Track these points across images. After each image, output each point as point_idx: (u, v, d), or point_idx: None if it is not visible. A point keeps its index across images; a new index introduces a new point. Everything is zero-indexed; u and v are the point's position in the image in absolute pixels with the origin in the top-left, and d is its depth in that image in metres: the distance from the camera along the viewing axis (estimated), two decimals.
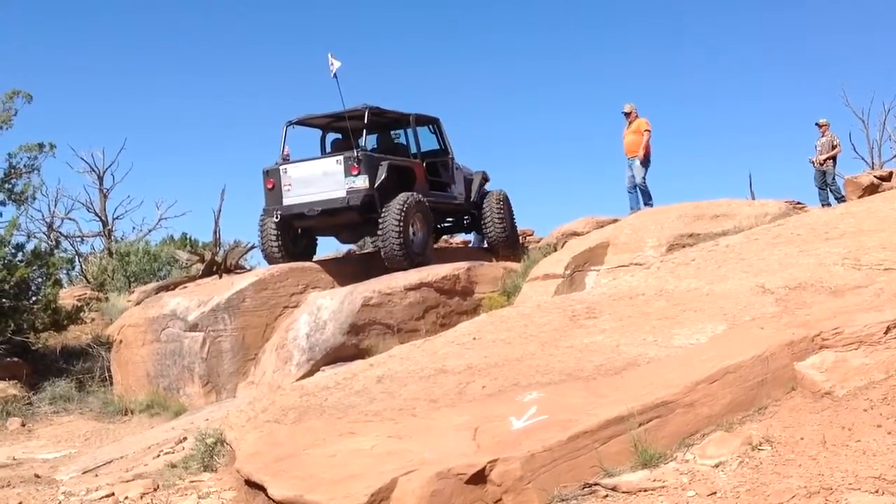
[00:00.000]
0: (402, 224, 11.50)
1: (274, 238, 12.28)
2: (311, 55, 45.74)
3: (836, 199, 14.57)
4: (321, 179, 11.75)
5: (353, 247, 15.30)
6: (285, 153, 12.46)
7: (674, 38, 48.61)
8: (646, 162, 13.93)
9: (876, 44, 42.27)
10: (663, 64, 49.35)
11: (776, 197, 12.16)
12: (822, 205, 14.28)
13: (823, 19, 45.94)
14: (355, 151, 11.68)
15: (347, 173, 11.56)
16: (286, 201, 11.96)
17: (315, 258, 13.55)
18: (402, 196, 11.68)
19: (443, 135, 13.32)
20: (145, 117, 41.53)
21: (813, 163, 15.28)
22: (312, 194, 11.79)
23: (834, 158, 15.25)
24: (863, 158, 23.54)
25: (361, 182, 11.54)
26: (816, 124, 15.48)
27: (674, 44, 48.72)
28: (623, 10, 49.10)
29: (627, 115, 14.15)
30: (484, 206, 13.47)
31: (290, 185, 11.92)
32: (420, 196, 12.01)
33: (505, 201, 13.60)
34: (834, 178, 15.21)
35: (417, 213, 11.91)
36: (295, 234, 12.61)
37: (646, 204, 13.79)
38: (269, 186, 12.05)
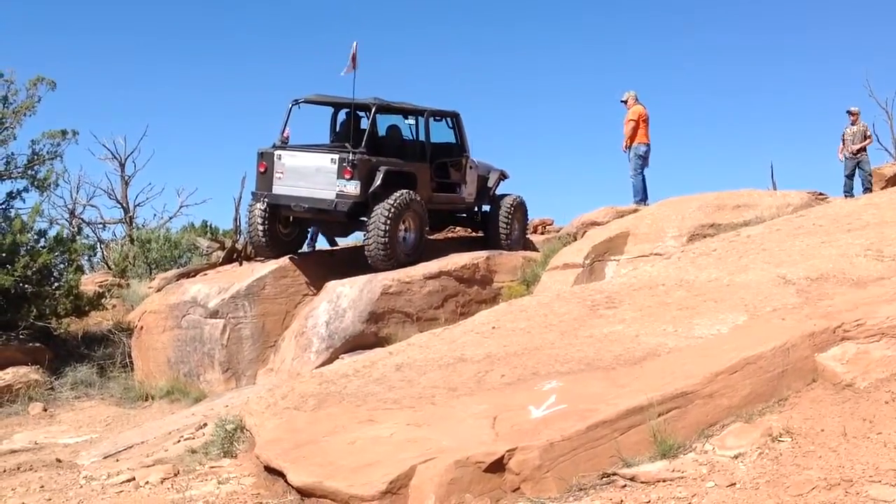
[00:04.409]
0: (388, 227, 10.99)
1: (261, 224, 11.81)
2: (333, 42, 45.72)
3: (866, 188, 14.32)
4: (313, 174, 11.18)
5: None
6: (285, 135, 11.95)
7: (697, 26, 48.20)
8: (635, 155, 13.44)
9: None
10: (687, 53, 48.98)
11: (798, 187, 11.98)
12: (846, 195, 14.08)
13: (848, 9, 45.45)
14: (351, 154, 11.06)
15: (340, 175, 10.97)
16: (275, 189, 11.42)
17: (334, 246, 13.52)
18: (393, 196, 11.08)
19: (461, 130, 12.61)
20: (167, 104, 41.59)
21: (844, 150, 14.78)
22: (302, 188, 11.25)
23: (865, 148, 14.91)
24: (886, 150, 23.19)
25: (353, 188, 10.95)
26: (848, 112, 14.88)
27: (697, 33, 48.33)
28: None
29: (625, 102, 13.74)
30: (496, 208, 12.91)
31: (282, 173, 11.36)
32: (414, 194, 11.36)
33: (517, 209, 13.00)
34: (869, 167, 14.85)
35: (410, 213, 11.36)
36: (286, 221, 12.13)
37: (635, 201, 13.27)
38: (262, 170, 11.49)
